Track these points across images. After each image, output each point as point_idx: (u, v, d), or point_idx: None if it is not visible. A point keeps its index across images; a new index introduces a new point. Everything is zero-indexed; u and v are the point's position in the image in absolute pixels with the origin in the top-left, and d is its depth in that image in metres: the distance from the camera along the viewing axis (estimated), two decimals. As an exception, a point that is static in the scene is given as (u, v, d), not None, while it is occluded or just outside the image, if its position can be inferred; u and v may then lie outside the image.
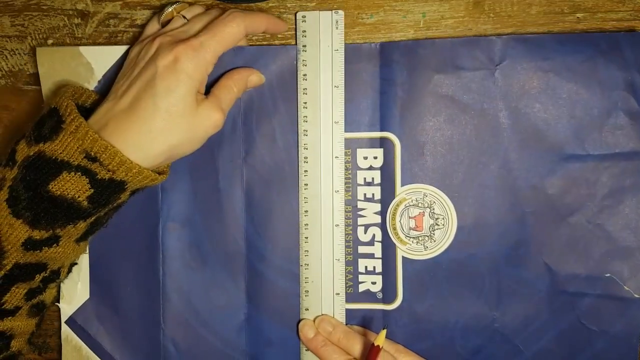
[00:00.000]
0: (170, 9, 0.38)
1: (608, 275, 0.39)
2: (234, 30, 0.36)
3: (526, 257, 0.40)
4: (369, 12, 0.41)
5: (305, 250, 0.41)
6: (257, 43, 0.41)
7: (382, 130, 0.41)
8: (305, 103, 0.41)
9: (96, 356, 0.43)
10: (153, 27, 0.39)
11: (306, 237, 0.41)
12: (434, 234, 0.41)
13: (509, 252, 0.40)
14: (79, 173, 0.32)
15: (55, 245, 0.34)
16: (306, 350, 0.42)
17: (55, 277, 0.38)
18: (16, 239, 0.33)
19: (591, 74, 0.39)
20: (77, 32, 0.42)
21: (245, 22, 0.36)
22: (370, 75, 0.40)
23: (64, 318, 0.43)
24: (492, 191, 0.40)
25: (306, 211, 0.41)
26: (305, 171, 0.41)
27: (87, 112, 0.35)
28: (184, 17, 0.38)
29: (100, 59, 0.41)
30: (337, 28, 0.40)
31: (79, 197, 0.33)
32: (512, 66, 0.39)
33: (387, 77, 0.40)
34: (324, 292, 0.41)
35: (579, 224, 0.40)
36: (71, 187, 0.33)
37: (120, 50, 0.41)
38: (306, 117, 0.41)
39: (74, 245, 0.36)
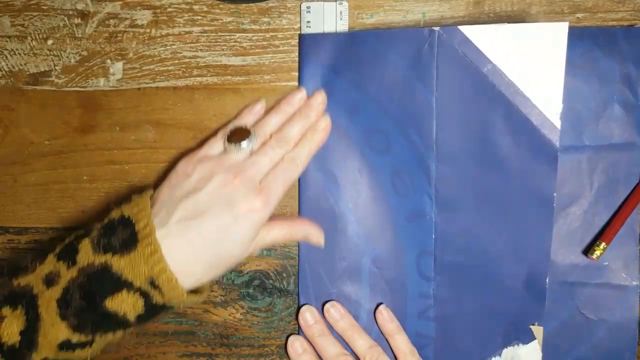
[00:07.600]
0: (247, 148, 0.36)
1: (606, 263, 0.40)
2: (297, 174, 0.37)
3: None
4: (369, 12, 0.41)
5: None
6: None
7: None
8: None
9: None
10: (217, 148, 0.38)
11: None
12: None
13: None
14: (138, 294, 0.32)
15: (88, 347, 0.34)
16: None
17: None
18: (54, 339, 0.32)
19: (590, 67, 0.39)
20: (77, 32, 0.42)
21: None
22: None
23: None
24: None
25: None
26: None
27: None
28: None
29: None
30: (341, 19, 0.40)
31: (129, 314, 0.33)
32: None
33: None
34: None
35: (576, 215, 0.40)
36: (126, 306, 0.32)
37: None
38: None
39: (103, 346, 0.35)
